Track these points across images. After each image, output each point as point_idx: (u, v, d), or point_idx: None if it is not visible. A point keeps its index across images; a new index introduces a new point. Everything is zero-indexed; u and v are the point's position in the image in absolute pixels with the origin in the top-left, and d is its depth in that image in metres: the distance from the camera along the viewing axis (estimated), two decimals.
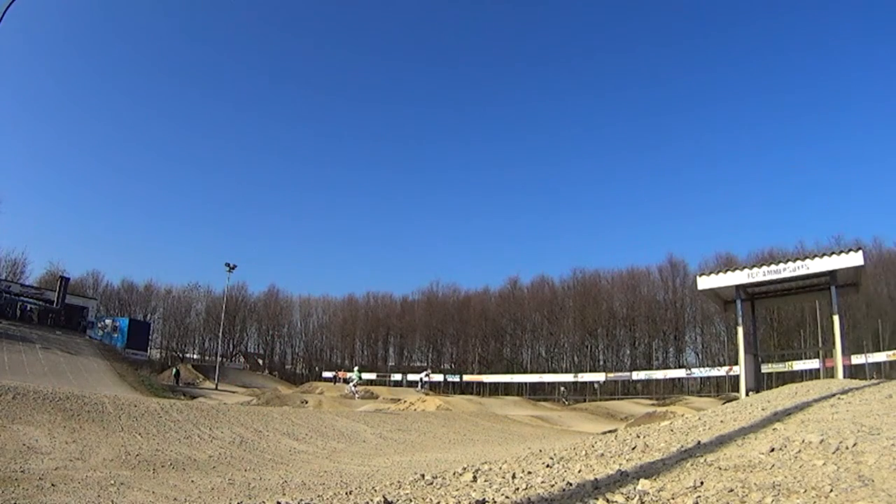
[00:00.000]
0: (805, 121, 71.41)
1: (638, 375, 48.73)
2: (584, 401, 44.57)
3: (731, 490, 1.68)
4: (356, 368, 31.73)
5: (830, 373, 15.36)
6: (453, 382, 53.02)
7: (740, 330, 15.12)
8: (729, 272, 15.29)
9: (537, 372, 53.01)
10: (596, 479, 2.06)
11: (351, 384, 29.14)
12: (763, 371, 18.72)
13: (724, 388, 43.18)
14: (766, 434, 2.67)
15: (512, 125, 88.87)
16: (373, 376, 54.12)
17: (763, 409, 4.39)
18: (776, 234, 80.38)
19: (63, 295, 39.30)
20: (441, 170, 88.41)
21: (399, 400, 29.84)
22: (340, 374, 47.87)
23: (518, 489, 2.05)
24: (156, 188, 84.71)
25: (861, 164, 68.34)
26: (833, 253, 13.73)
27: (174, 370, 42.26)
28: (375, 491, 2.23)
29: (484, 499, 1.91)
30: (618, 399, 43.35)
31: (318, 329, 65.41)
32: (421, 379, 34.31)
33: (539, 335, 57.08)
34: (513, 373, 53.43)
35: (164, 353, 58.39)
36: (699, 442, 2.77)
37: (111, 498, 2.98)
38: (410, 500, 2.00)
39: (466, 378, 53.46)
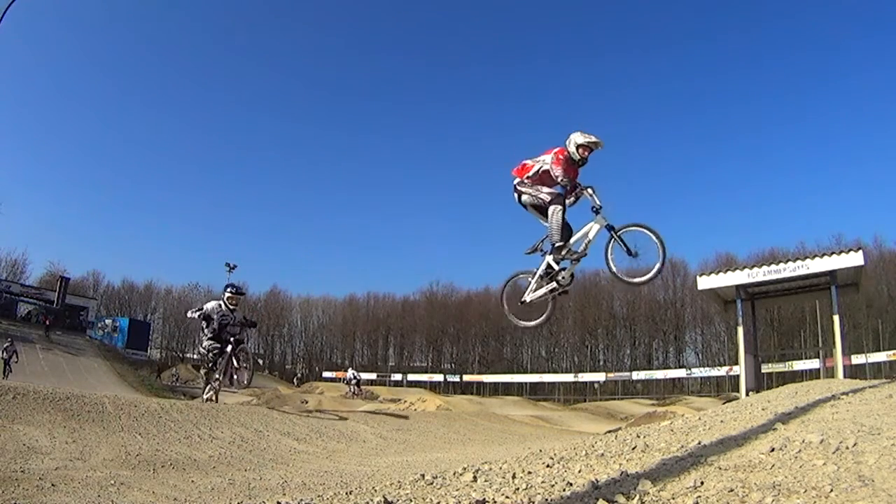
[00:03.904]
0: (805, 121, 71.41)
1: (638, 375, 48.79)
2: (584, 401, 44.63)
3: (732, 490, 1.68)
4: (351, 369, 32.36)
5: (831, 373, 15.37)
6: (453, 382, 53.07)
7: (740, 330, 15.14)
8: (729, 272, 15.30)
9: (537, 372, 53.08)
10: (596, 479, 2.06)
11: (352, 383, 29.61)
12: (763, 371, 18.73)
13: (724, 388, 43.21)
14: (767, 434, 2.67)
15: (512, 124, 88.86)
16: (373, 376, 54.18)
17: (763, 409, 4.39)
18: (776, 234, 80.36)
19: (63, 295, 39.36)
20: (441, 169, 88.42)
21: (399, 400, 29.86)
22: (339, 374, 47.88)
23: (518, 489, 2.05)
24: (156, 188, 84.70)
25: (861, 164, 68.33)
26: (833, 253, 13.75)
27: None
28: (375, 491, 2.23)
29: (484, 499, 1.91)
30: (618, 399, 43.41)
31: (319, 329, 65.48)
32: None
33: (539, 335, 57.07)
34: (513, 373, 53.49)
35: (164, 353, 58.43)
36: (699, 442, 2.77)
37: (111, 498, 2.98)
38: (410, 500, 2.00)
39: (466, 378, 53.51)
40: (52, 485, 3.09)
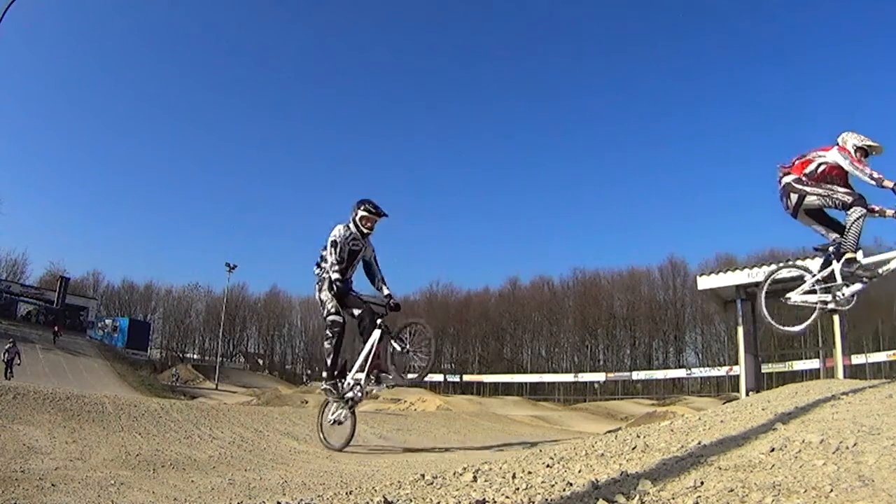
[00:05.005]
0: (805, 121, 71.40)
1: (638, 375, 48.81)
2: (584, 401, 44.64)
3: (732, 490, 1.68)
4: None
5: (831, 373, 15.37)
6: (453, 382, 53.06)
7: (740, 330, 15.13)
8: (729, 272, 15.27)
9: (537, 372, 53.08)
10: (596, 479, 2.06)
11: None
12: (763, 371, 18.70)
13: (724, 388, 43.22)
14: (767, 434, 2.66)
15: (512, 124, 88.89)
16: None
17: (763, 409, 4.38)
18: (776, 234, 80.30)
19: (63, 295, 39.37)
20: (441, 169, 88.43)
21: (399, 400, 29.88)
22: None
23: (518, 489, 2.05)
24: (156, 187, 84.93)
25: None
26: None
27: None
28: (375, 491, 2.23)
29: (484, 499, 1.91)
30: (618, 399, 43.45)
31: (319, 329, 65.44)
32: None
33: (539, 335, 57.13)
34: (513, 373, 53.49)
35: (164, 353, 58.45)
36: (699, 442, 2.76)
37: (111, 498, 2.98)
38: (410, 500, 1.99)
39: (466, 378, 53.52)
40: (52, 485, 3.09)
